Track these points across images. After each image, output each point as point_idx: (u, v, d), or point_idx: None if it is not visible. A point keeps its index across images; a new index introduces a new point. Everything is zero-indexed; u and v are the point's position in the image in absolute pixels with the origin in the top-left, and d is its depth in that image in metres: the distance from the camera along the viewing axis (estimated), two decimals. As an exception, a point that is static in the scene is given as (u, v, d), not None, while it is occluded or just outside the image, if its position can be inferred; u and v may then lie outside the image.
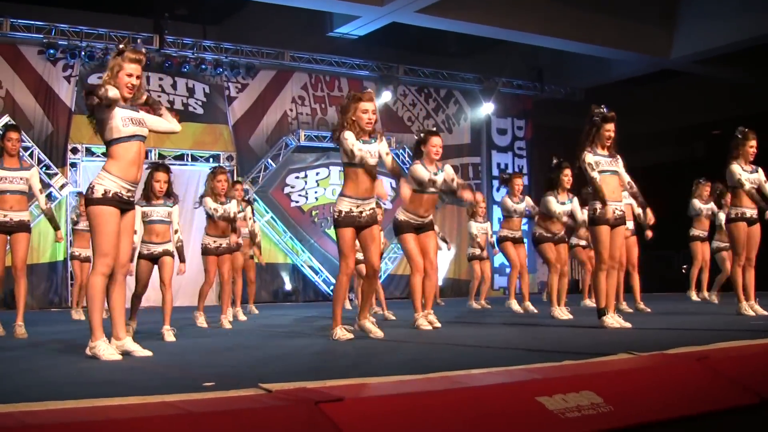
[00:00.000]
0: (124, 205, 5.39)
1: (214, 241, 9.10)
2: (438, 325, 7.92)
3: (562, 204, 9.49)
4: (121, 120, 5.29)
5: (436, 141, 7.94)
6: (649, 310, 9.99)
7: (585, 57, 20.35)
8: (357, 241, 6.82)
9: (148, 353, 5.50)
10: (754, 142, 8.53)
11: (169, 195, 7.64)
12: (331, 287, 19.34)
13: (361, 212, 6.67)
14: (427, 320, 7.91)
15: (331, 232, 19.68)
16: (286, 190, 19.74)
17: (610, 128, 7.21)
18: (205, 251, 9.14)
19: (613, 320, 7.16)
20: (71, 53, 17.20)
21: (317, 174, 20.26)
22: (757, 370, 3.88)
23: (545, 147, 22.27)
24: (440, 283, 21.28)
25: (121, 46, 5.37)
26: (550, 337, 6.54)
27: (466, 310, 12.67)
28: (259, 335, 7.60)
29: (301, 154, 19.98)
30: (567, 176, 9.49)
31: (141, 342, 5.76)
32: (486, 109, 22.25)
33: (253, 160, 19.30)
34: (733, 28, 17.75)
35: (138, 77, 5.37)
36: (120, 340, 5.51)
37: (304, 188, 20.03)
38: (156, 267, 7.66)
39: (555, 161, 9.62)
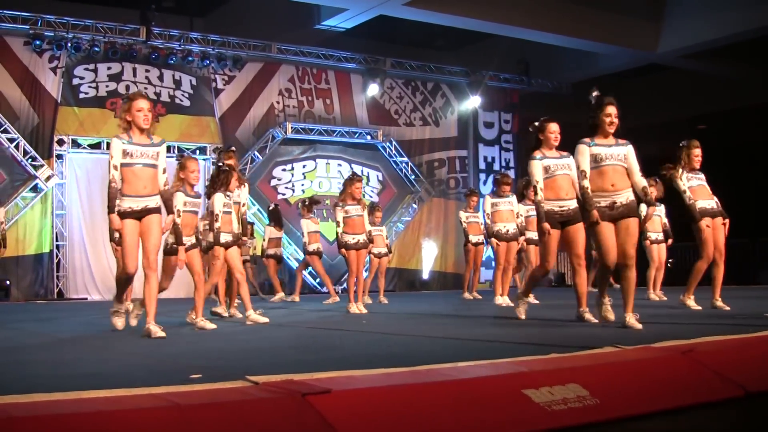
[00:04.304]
0: None
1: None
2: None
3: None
4: None
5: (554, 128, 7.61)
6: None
7: (572, 51, 20.38)
8: None
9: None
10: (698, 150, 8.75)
11: None
12: (318, 280, 19.36)
13: None
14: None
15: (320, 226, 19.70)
16: (273, 182, 19.72)
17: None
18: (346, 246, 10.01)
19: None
20: (57, 44, 17.11)
21: (304, 166, 20.24)
22: (741, 363, 3.91)
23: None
24: (425, 276, 21.37)
25: None
26: (536, 330, 6.56)
27: (457, 301, 12.64)
28: (246, 327, 7.60)
29: (288, 146, 19.97)
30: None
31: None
32: (473, 102, 22.27)
33: (240, 152, 19.21)
34: (719, 23, 17.81)
35: None
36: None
37: (290, 180, 20.01)
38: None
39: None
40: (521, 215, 11.55)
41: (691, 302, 8.59)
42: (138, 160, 6.40)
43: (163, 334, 6.38)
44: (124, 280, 6.96)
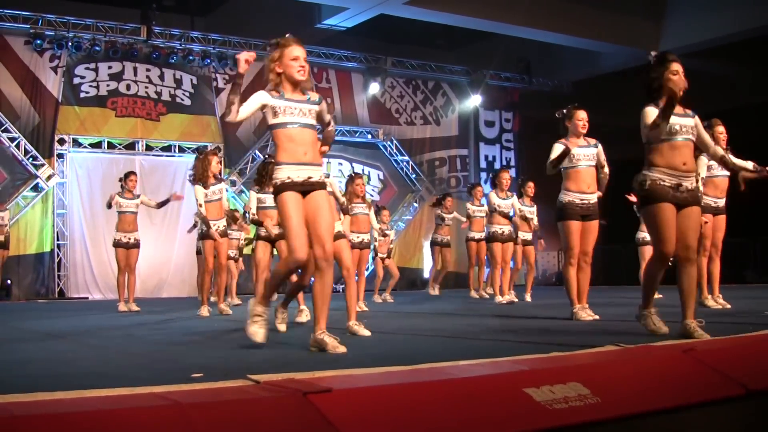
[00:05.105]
0: None
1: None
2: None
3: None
4: None
5: (582, 115, 7.41)
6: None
7: (573, 49, 20.37)
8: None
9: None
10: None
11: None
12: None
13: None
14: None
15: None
16: (274, 181, 19.68)
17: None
18: None
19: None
20: (58, 44, 17.12)
21: (305, 165, 20.22)
22: (742, 362, 3.91)
23: (532, 140, 22.36)
24: (426, 275, 21.34)
25: None
26: (537, 328, 6.56)
27: (458, 301, 12.63)
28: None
29: (289, 145, 19.94)
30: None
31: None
32: (474, 101, 22.28)
33: (241, 151, 19.27)
34: (721, 20, 17.80)
35: None
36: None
37: (291, 180, 19.99)
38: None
39: None
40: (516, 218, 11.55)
41: (710, 302, 8.40)
42: (295, 119, 5.23)
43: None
44: (284, 273, 5.42)
